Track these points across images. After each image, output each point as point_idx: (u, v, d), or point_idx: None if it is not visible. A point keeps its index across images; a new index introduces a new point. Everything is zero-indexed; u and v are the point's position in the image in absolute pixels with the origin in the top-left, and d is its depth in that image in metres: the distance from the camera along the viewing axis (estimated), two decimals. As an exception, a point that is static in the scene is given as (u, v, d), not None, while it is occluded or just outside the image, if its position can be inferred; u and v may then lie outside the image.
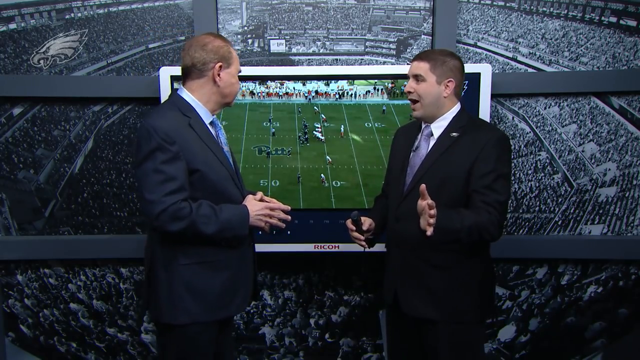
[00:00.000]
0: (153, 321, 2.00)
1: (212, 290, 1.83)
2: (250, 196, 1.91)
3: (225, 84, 1.85)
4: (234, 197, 1.86)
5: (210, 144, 1.82)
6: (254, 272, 2.01)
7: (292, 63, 2.70)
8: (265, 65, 2.68)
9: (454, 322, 1.92)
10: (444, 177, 1.87)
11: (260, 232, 1.93)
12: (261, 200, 1.91)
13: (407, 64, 2.66)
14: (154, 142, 1.69)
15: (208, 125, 1.86)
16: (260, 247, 2.56)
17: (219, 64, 1.82)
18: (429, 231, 1.64)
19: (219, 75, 1.82)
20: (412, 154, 1.99)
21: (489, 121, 2.50)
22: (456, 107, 1.95)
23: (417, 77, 1.92)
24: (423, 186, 1.64)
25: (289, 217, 1.91)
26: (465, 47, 2.65)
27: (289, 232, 2.59)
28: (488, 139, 1.85)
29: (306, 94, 2.56)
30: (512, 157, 2.67)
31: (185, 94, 1.84)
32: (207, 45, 1.82)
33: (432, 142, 1.94)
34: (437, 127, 1.94)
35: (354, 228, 1.98)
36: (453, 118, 1.94)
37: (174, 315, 1.81)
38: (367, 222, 2.02)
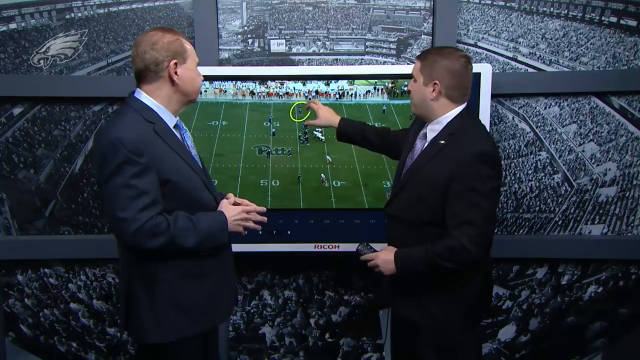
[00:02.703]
0: (135, 342, 1.89)
1: (198, 302, 1.75)
2: (224, 201, 1.82)
3: (185, 81, 1.70)
4: (208, 204, 1.77)
5: (178, 149, 1.70)
6: (234, 276, 1.95)
7: (292, 63, 2.70)
8: (266, 65, 2.68)
9: (436, 328, 1.88)
10: (423, 187, 1.83)
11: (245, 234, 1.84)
12: (234, 203, 1.82)
13: (408, 63, 2.67)
14: (120, 156, 1.55)
15: (173, 130, 1.74)
16: (260, 247, 2.59)
17: (173, 61, 1.67)
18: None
19: (175, 73, 1.68)
20: (410, 151, 1.97)
21: (488, 121, 2.50)
22: (454, 112, 1.84)
23: (411, 77, 1.89)
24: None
25: (265, 219, 1.84)
26: (466, 47, 2.65)
27: (289, 232, 2.59)
28: (463, 156, 1.74)
29: (306, 94, 2.56)
30: (513, 157, 2.69)
31: (145, 97, 1.70)
32: (157, 43, 1.66)
33: (424, 145, 1.90)
34: (431, 131, 1.88)
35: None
36: (448, 123, 1.83)
37: (160, 334, 1.72)
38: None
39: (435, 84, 1.81)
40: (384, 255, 1.90)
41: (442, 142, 1.82)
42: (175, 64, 1.68)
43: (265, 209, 1.84)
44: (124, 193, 1.57)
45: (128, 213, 1.57)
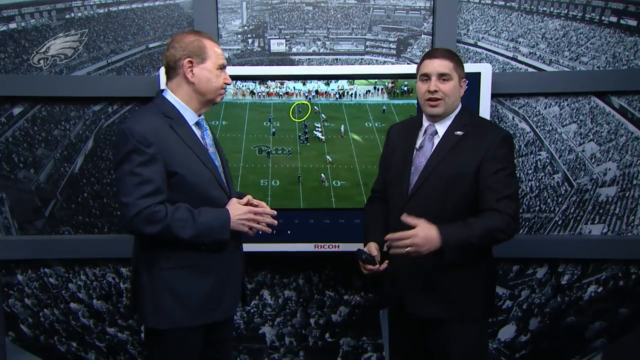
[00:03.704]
0: (140, 326, 1.95)
1: (196, 294, 1.79)
2: (234, 199, 1.84)
3: (200, 80, 1.78)
4: (217, 200, 1.81)
5: (193, 145, 1.77)
6: (241, 275, 1.96)
7: (292, 63, 2.70)
8: (266, 65, 2.68)
9: (462, 321, 1.93)
10: (451, 176, 1.88)
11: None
12: (248, 203, 1.84)
13: (407, 63, 2.67)
14: (130, 145, 1.66)
15: (193, 127, 1.81)
16: (260, 247, 2.58)
17: (188, 59, 1.76)
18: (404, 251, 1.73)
19: (191, 72, 1.77)
20: (415, 152, 1.98)
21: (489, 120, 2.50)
22: (459, 106, 1.99)
23: (443, 76, 1.90)
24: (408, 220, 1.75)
25: (275, 222, 1.86)
26: (466, 46, 2.65)
27: (289, 232, 2.59)
28: (494, 139, 1.88)
29: (306, 94, 2.56)
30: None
31: (169, 95, 1.81)
32: (178, 42, 1.78)
33: (436, 141, 1.95)
34: (442, 127, 1.96)
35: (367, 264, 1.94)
36: (455, 117, 1.96)
37: (158, 320, 1.78)
38: (371, 248, 1.98)
39: (464, 80, 1.97)
40: (424, 232, 1.72)
41: (459, 133, 1.92)
42: (191, 62, 1.77)
43: (275, 212, 1.86)
44: (129, 179, 1.67)
45: (130, 198, 1.66)
